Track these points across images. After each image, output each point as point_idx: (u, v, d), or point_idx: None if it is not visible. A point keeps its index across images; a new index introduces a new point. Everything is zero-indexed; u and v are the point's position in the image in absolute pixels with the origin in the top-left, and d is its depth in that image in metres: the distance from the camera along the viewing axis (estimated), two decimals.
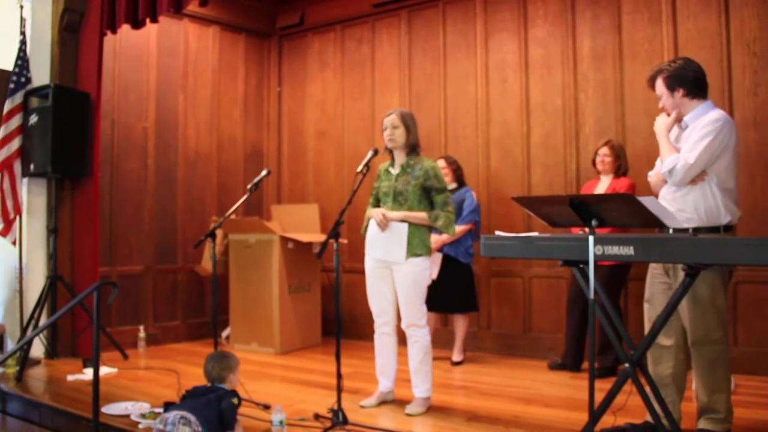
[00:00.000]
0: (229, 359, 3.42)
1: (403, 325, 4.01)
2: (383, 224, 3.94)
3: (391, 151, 4.10)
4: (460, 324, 5.58)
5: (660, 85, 3.33)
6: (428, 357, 4.00)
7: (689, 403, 3.54)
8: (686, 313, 3.21)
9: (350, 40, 7.20)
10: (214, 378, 3.36)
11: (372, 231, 4.06)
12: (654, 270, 3.41)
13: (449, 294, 5.41)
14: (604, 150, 4.99)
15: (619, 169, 4.98)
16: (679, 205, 3.22)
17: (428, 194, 3.98)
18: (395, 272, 3.99)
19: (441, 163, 5.54)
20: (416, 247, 3.94)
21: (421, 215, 3.94)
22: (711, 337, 3.17)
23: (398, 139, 4.00)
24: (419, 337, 3.98)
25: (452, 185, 5.52)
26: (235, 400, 3.23)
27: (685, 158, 3.14)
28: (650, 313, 3.42)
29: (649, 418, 3.40)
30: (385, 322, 4.11)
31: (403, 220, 3.94)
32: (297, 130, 7.60)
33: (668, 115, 3.35)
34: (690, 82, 3.27)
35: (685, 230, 3.14)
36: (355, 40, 7.16)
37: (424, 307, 4.02)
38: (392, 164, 4.11)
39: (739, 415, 3.70)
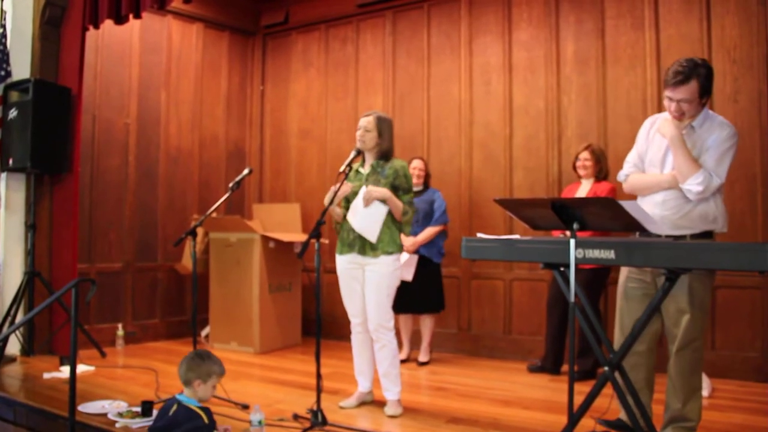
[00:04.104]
0: (205, 363, 3.12)
1: (370, 327, 4.00)
2: (367, 201, 3.90)
3: (363, 153, 4.09)
4: (427, 324, 5.62)
5: (694, 88, 3.08)
6: (396, 360, 4.02)
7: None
8: (679, 318, 3.16)
9: (334, 40, 7.19)
10: (179, 375, 3.11)
11: (356, 201, 3.97)
12: (630, 275, 3.36)
13: (421, 295, 5.45)
14: (585, 154, 5.02)
15: (600, 173, 5.01)
16: (684, 214, 3.16)
17: (395, 193, 3.98)
18: (367, 271, 3.99)
19: (419, 163, 5.57)
20: (387, 244, 3.95)
21: (398, 202, 3.94)
22: (696, 341, 3.16)
23: (368, 142, 4.01)
24: (387, 341, 3.97)
25: (418, 187, 5.54)
26: None
27: (719, 176, 3.09)
28: (623, 320, 3.39)
29: (622, 416, 3.41)
30: (361, 321, 4.10)
31: (384, 199, 3.92)
32: (280, 129, 7.58)
33: (677, 118, 3.19)
34: (711, 90, 3.17)
35: (659, 235, 3.12)
36: (339, 40, 7.15)
37: (391, 311, 4.02)
38: (362, 164, 4.13)
39: (715, 419, 3.75)
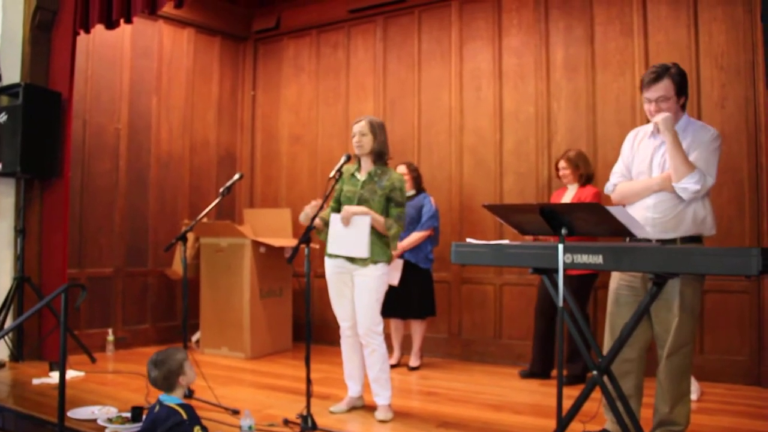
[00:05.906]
0: (170, 361, 3.12)
1: (360, 332, 4.01)
2: (346, 219, 3.94)
3: (358, 157, 4.12)
4: (417, 329, 5.62)
5: (669, 86, 3.13)
6: (386, 365, 4.03)
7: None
8: (670, 323, 3.15)
9: (326, 45, 7.20)
10: (160, 387, 3.11)
11: (334, 227, 4.03)
12: (622, 282, 3.35)
13: (409, 299, 5.45)
14: (561, 163, 5.08)
15: (581, 178, 5.03)
16: (675, 215, 3.16)
17: (387, 204, 4.01)
18: (355, 277, 4.00)
19: (402, 169, 5.57)
20: (376, 254, 3.96)
21: (379, 217, 3.96)
22: (686, 346, 3.16)
23: (366, 145, 4.03)
24: (377, 345, 3.98)
25: (410, 192, 5.54)
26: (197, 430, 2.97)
27: (712, 176, 3.11)
28: (614, 326, 3.35)
29: (608, 426, 3.42)
30: (350, 326, 4.12)
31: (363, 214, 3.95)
32: (271, 134, 7.59)
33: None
34: (687, 91, 3.21)
35: (648, 240, 3.13)
36: (330, 46, 7.17)
37: (380, 315, 4.03)
38: (358, 169, 4.13)
39: (703, 422, 3.77)
